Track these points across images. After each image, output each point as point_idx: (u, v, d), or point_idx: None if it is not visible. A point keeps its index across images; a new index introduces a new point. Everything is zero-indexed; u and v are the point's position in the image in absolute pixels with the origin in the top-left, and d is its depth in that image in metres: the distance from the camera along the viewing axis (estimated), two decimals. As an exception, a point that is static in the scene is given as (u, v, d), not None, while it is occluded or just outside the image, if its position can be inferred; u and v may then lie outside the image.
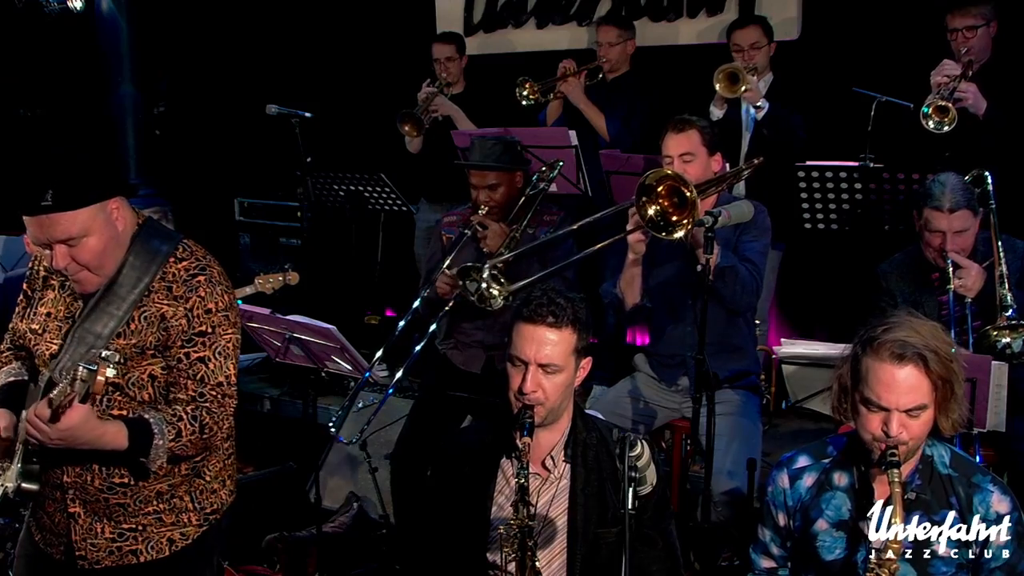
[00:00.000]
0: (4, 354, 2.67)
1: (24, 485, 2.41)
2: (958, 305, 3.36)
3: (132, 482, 2.49)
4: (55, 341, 2.47)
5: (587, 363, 2.71)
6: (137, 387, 2.44)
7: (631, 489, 2.32)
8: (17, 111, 7.81)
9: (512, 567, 2.53)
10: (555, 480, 2.67)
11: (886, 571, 2.29)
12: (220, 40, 7.11)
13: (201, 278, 2.45)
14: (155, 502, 2.52)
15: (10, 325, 2.67)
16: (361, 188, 5.62)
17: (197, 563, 2.63)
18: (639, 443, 2.36)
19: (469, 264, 3.58)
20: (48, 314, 2.51)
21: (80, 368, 2.15)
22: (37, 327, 2.52)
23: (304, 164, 5.29)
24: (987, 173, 3.55)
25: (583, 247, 3.77)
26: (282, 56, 6.80)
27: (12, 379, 2.57)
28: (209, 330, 2.44)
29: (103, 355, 2.17)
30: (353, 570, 4.26)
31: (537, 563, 2.53)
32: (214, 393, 2.46)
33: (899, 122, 4.05)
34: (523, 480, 2.48)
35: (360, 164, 5.63)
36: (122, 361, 2.34)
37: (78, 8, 6.98)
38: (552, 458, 2.68)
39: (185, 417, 2.41)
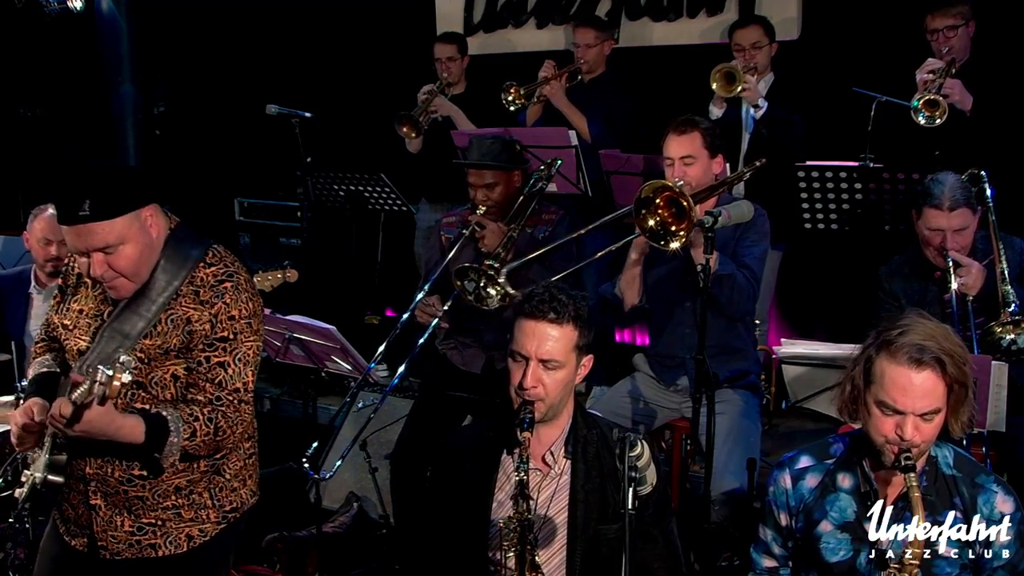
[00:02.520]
0: (39, 345, 2.76)
1: (50, 477, 2.47)
2: (960, 304, 3.36)
3: (151, 475, 2.54)
4: (84, 338, 2.55)
5: (588, 360, 2.71)
6: (160, 386, 2.51)
7: (631, 489, 2.31)
8: (17, 111, 7.81)
9: (512, 562, 2.53)
10: (555, 476, 2.67)
11: (907, 574, 2.30)
12: (220, 40, 7.11)
13: (228, 284, 2.52)
14: (174, 496, 2.58)
15: (45, 318, 2.77)
16: (361, 188, 5.62)
17: (214, 560, 2.68)
18: (639, 443, 2.36)
19: (467, 264, 3.58)
20: (80, 311, 2.59)
21: (99, 371, 2.22)
22: (69, 323, 2.60)
23: (304, 164, 5.29)
24: (983, 172, 3.57)
25: (582, 248, 3.77)
26: (282, 56, 6.80)
27: (45, 370, 2.66)
28: (231, 336, 2.51)
29: (121, 359, 2.24)
30: (353, 570, 4.26)
31: (537, 558, 2.54)
32: (231, 398, 2.53)
33: (895, 121, 4.06)
34: (523, 475, 2.48)
35: (360, 164, 5.63)
36: (138, 366, 2.42)
37: (78, 8, 6.98)
38: (552, 454, 2.68)
39: (201, 418, 2.48)
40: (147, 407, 2.48)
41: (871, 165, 4.01)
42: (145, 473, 2.54)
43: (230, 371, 2.51)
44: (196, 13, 7.05)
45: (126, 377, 2.21)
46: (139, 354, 2.46)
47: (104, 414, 2.31)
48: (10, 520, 3.75)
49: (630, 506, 2.31)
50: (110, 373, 2.20)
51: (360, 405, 4.27)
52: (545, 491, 2.66)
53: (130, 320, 2.48)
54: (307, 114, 5.20)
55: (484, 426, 2.86)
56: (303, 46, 6.78)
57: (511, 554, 2.53)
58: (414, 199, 5.75)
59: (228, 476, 2.66)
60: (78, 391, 2.32)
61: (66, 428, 2.33)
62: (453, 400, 3.94)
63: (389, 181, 5.52)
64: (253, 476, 2.75)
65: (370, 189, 5.62)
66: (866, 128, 4.14)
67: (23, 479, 2.53)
